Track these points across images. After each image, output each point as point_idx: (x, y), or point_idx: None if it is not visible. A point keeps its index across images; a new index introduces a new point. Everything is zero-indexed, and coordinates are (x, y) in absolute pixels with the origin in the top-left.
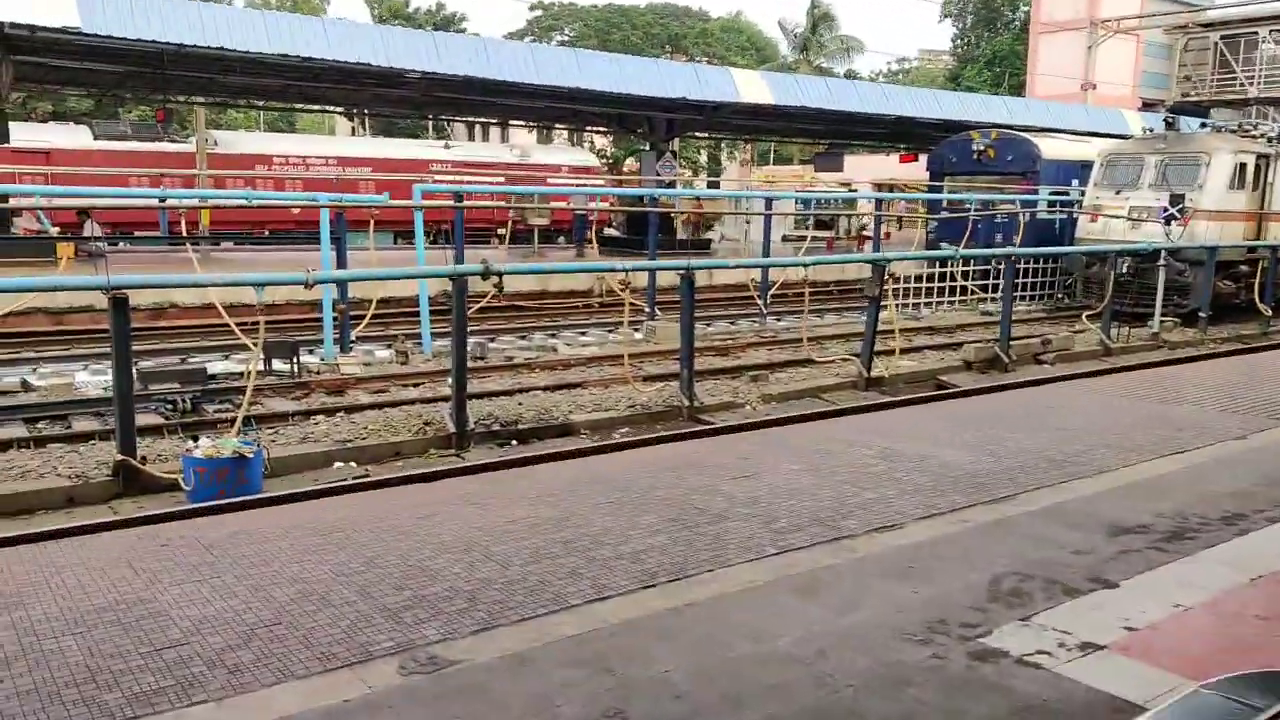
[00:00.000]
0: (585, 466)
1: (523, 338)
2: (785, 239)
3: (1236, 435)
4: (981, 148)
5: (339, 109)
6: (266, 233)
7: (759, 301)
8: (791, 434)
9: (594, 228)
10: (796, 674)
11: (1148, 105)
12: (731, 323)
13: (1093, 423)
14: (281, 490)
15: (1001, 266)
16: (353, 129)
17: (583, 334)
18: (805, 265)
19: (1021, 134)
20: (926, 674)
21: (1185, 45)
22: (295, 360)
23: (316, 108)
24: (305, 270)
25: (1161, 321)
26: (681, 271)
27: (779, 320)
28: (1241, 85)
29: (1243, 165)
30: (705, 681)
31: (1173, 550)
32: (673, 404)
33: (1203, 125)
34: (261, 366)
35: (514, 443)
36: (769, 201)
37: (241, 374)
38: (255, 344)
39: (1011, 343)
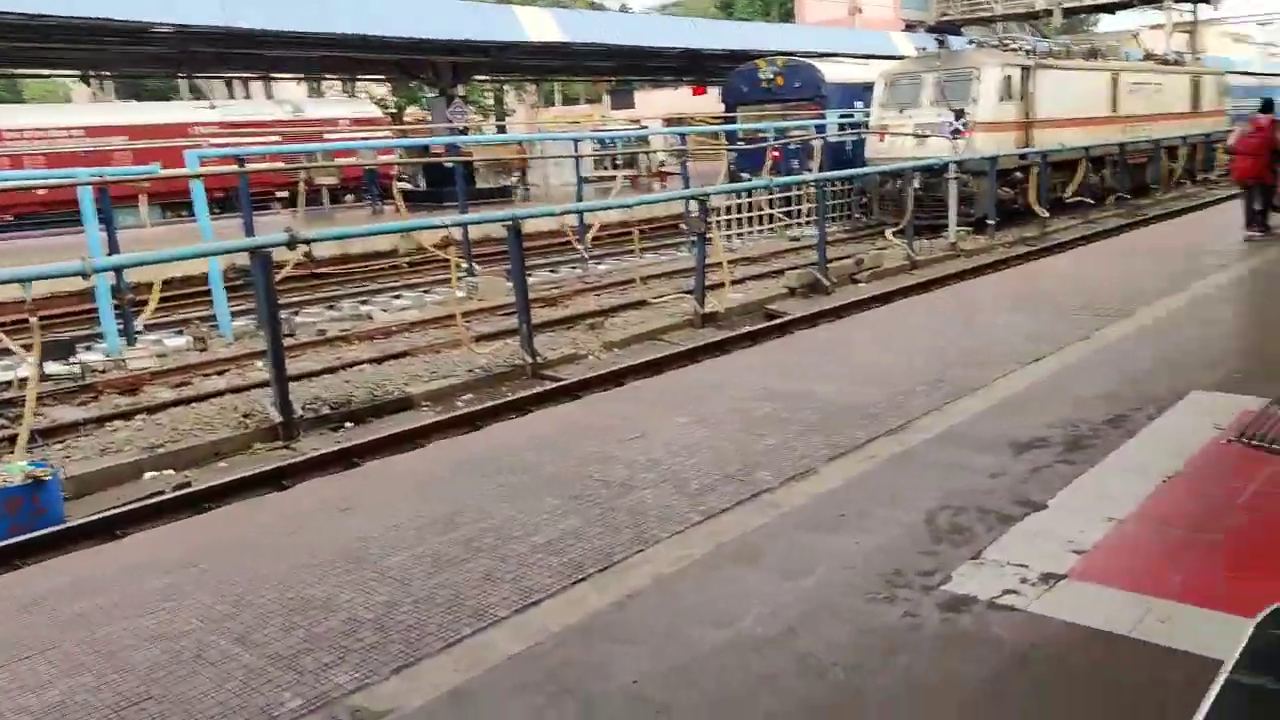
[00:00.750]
0: (454, 448)
1: (330, 307)
2: (587, 180)
3: (1080, 337)
4: (770, 76)
5: (77, 73)
6: (10, 219)
7: (578, 247)
8: (657, 384)
9: (391, 183)
10: (776, 660)
11: (909, 27)
12: (553, 270)
13: (938, 340)
14: (91, 514)
15: (803, 193)
16: (92, 94)
17: (397, 297)
18: (629, 206)
19: (805, 60)
20: (907, 636)
21: None
22: (74, 360)
23: (50, 72)
24: (80, 258)
25: (957, 231)
26: (508, 223)
27: (600, 264)
28: (989, 4)
29: (1009, 78)
30: (682, 686)
31: (1079, 461)
32: (514, 363)
33: (970, 43)
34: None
35: (349, 425)
36: (576, 144)
37: (9, 383)
38: (31, 346)
39: (828, 265)
